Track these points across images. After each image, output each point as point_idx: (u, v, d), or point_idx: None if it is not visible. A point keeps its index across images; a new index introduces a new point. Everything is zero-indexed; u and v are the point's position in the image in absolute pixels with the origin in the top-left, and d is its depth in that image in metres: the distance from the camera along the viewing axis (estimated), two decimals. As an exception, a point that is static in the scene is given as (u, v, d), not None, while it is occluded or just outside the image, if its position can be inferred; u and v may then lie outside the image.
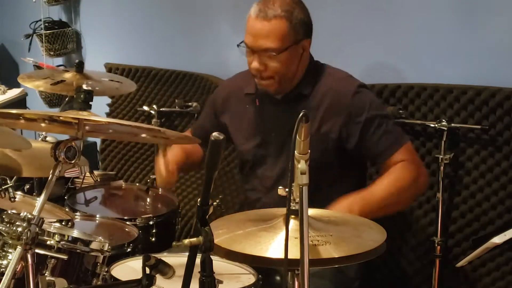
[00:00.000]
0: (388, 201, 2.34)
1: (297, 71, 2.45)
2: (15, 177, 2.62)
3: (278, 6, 2.35)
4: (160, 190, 3.12)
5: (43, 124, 2.00)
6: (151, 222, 2.79)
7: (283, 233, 1.61)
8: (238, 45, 2.43)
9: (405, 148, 2.42)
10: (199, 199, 1.54)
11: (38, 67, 4.05)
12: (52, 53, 4.12)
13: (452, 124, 2.69)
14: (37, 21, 4.15)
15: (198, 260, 1.54)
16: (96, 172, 3.68)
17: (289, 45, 2.36)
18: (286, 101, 2.49)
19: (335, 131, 2.42)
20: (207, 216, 1.54)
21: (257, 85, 2.51)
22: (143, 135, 2.13)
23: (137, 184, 3.57)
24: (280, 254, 1.59)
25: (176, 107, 3.56)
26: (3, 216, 1.83)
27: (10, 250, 2.04)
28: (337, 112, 2.41)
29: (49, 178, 1.79)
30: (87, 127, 1.95)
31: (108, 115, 3.83)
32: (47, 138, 3.26)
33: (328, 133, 2.42)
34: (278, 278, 2.28)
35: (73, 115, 1.87)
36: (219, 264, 1.89)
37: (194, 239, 1.52)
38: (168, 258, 1.88)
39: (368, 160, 2.57)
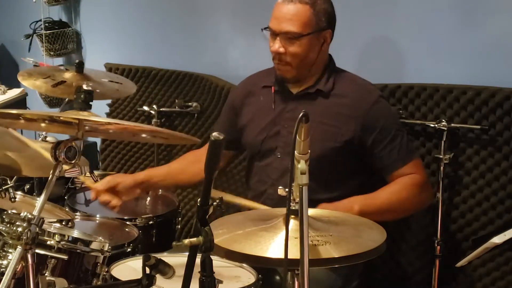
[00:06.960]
0: (388, 208, 2.39)
1: (315, 60, 2.48)
2: (15, 177, 2.62)
3: None
4: (160, 190, 3.13)
5: (43, 124, 2.00)
6: (151, 222, 2.79)
7: (283, 233, 1.61)
8: (262, 30, 2.47)
9: (414, 163, 2.48)
10: (199, 199, 1.54)
11: (38, 67, 4.04)
12: (52, 53, 4.12)
13: (452, 124, 2.69)
14: (37, 21, 4.15)
15: (198, 260, 1.55)
16: (96, 172, 3.66)
17: (310, 32, 2.41)
18: (303, 96, 2.52)
19: (348, 134, 2.45)
20: (207, 216, 1.54)
21: (275, 77, 2.55)
22: (143, 135, 2.13)
23: (137, 184, 3.56)
24: (280, 254, 1.59)
25: (176, 107, 3.56)
26: (3, 216, 1.83)
27: (10, 250, 2.03)
28: (355, 116, 2.45)
29: (49, 178, 1.79)
30: (86, 127, 1.95)
31: (108, 115, 3.83)
32: (47, 138, 3.25)
33: (340, 134, 2.45)
34: (278, 278, 2.28)
35: (73, 115, 1.87)
36: (219, 264, 1.89)
37: (194, 239, 1.52)
38: (168, 258, 1.88)
39: (375, 170, 2.54)
